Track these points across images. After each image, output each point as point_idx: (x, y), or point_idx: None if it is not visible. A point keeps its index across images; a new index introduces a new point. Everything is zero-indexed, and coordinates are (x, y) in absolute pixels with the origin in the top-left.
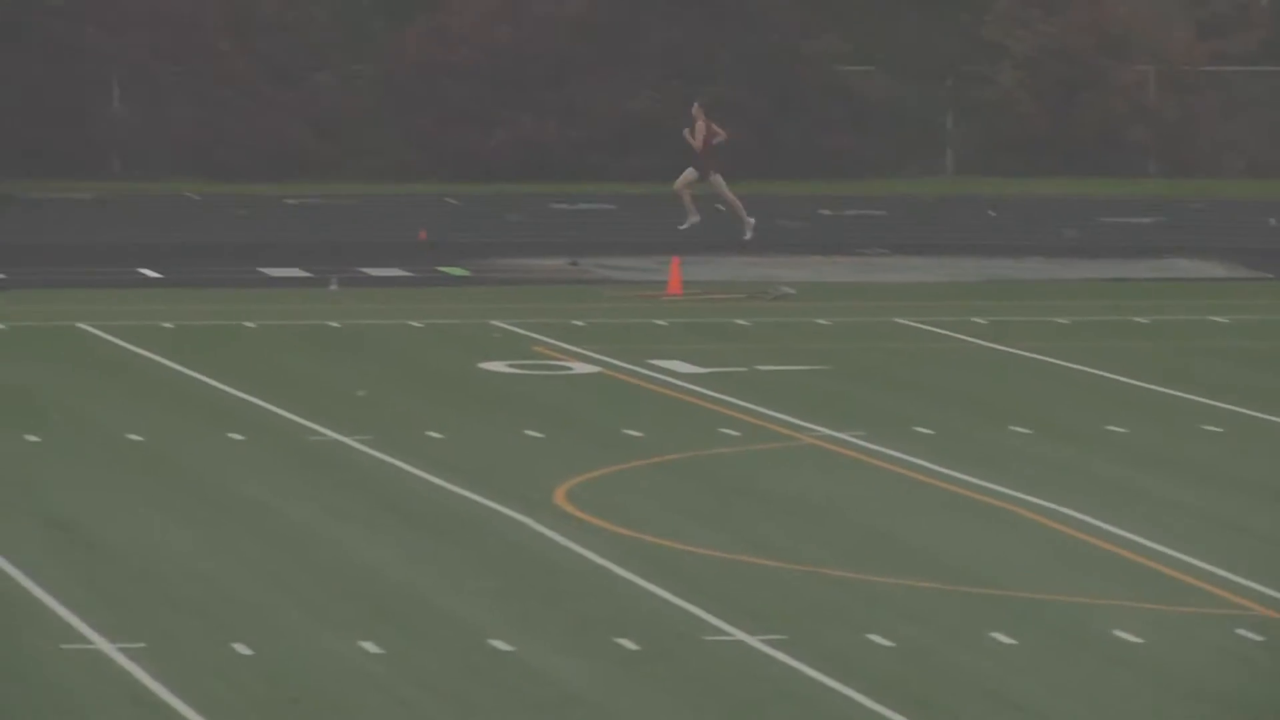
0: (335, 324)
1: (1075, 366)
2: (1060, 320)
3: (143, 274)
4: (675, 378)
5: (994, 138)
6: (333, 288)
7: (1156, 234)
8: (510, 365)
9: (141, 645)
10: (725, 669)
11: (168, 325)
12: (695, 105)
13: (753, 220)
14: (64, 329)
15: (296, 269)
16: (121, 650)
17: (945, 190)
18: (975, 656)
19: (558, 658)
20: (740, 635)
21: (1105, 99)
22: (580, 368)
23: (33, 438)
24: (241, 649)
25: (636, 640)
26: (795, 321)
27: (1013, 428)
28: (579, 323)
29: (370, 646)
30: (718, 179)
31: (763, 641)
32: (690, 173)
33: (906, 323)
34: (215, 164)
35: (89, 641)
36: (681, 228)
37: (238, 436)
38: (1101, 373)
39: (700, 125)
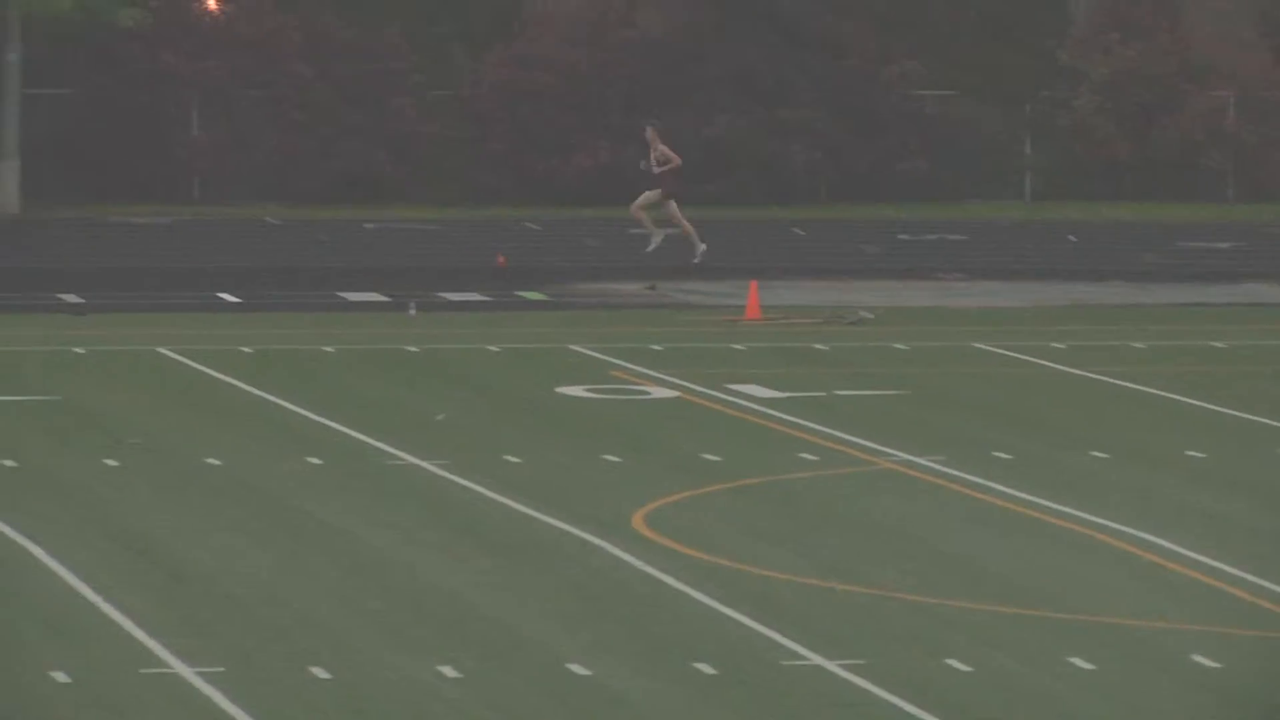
0: (413, 348)
1: (1154, 391)
2: (1138, 345)
3: (222, 298)
4: (753, 402)
5: (1072, 162)
6: (411, 312)
7: (1234, 259)
8: (588, 389)
9: (220, 670)
10: (803, 693)
11: (246, 350)
12: (649, 130)
13: (704, 246)
14: (143, 353)
15: (375, 293)
16: (200, 674)
17: (1024, 215)
18: (1053, 681)
19: (635, 681)
20: (818, 660)
21: (1184, 124)
22: (658, 392)
23: (111, 461)
24: (320, 673)
25: (714, 664)
26: (873, 346)
27: (1091, 452)
28: (657, 347)
29: (448, 670)
30: (649, 196)
31: (840, 666)
32: (671, 203)
33: (985, 347)
34: (294, 188)
35: (168, 666)
36: (698, 254)
37: (316, 460)
38: (1180, 397)
39: (663, 148)
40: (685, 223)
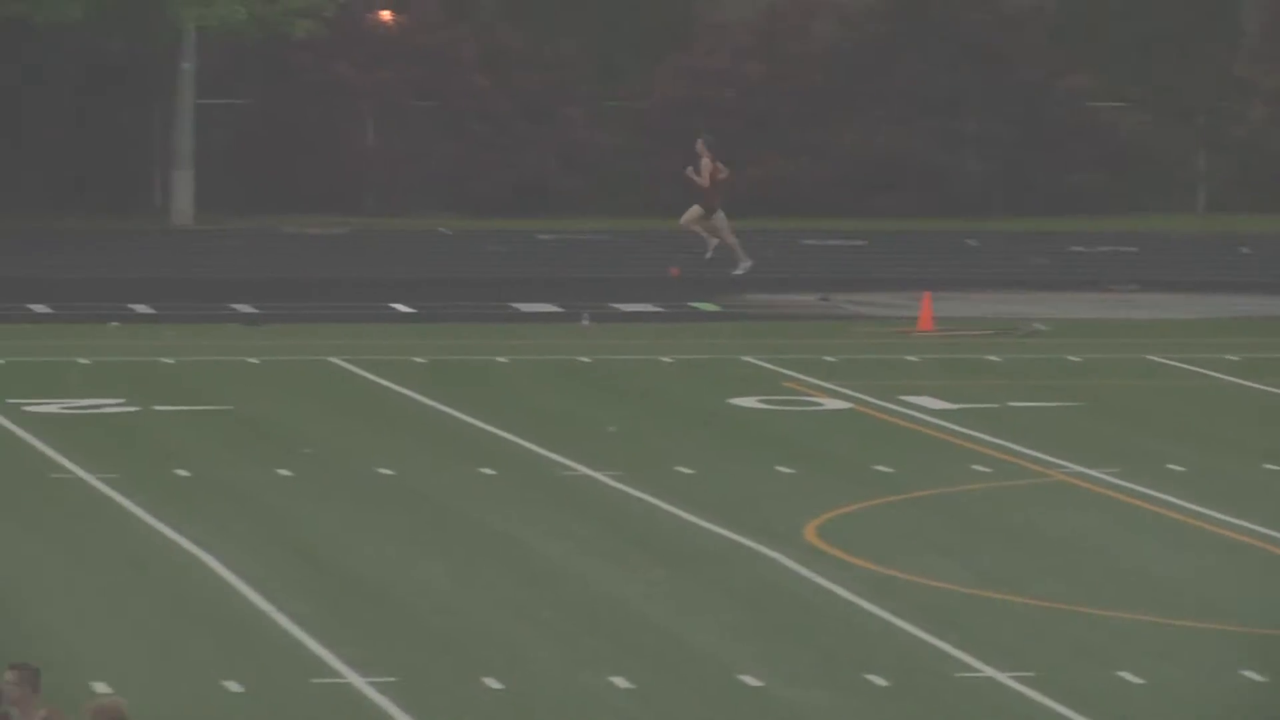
0: (586, 359)
1: None
2: None
3: (395, 309)
4: (926, 413)
5: (1245, 174)
6: (584, 323)
7: None
8: (761, 401)
9: (392, 679)
10: (974, 705)
11: (420, 360)
12: (699, 142)
13: (750, 263)
14: (316, 363)
15: (548, 304)
16: (372, 684)
17: (1197, 227)
18: (1226, 693)
19: (807, 693)
20: (990, 672)
21: None
22: (831, 403)
23: (285, 471)
24: (492, 683)
25: (886, 676)
26: (1046, 358)
27: (1265, 465)
28: (830, 358)
29: (620, 681)
30: (720, 216)
31: (1012, 678)
32: (696, 210)
33: (1158, 359)
34: (467, 198)
35: (340, 676)
36: (707, 256)
37: (489, 471)
38: None
39: (706, 162)
40: (731, 239)
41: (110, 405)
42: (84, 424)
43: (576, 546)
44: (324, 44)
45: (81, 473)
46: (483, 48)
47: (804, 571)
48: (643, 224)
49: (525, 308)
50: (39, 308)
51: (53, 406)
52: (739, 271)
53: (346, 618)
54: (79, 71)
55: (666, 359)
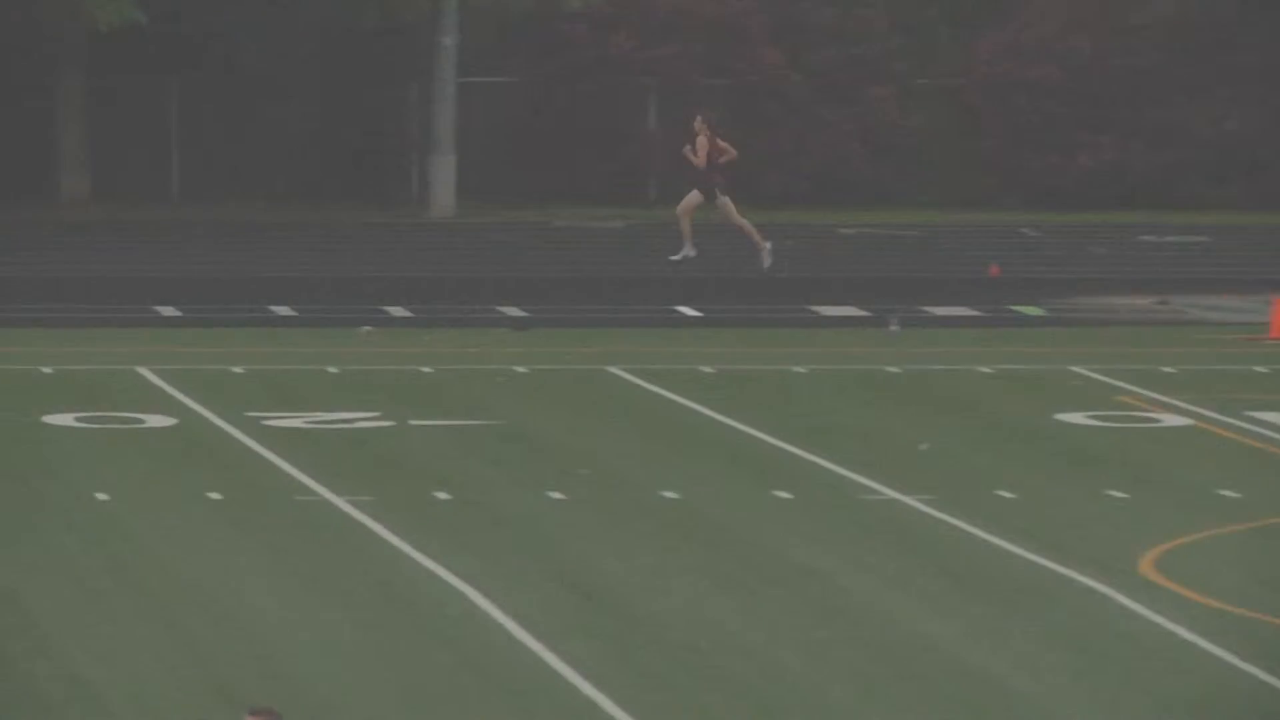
0: (894, 369)
1: None
2: None
3: (680, 312)
4: (1277, 432)
5: None
6: (892, 328)
7: None
8: (1091, 416)
9: None
10: None
11: (707, 369)
12: (698, 119)
13: (769, 244)
14: (592, 373)
15: (851, 307)
16: None
17: None
18: None
19: None
20: None
21: None
22: (1170, 419)
23: (556, 494)
24: None
25: None
26: None
27: None
28: (1169, 369)
29: None
30: (725, 201)
31: None
32: (695, 196)
33: None
34: (761, 188)
35: None
36: (674, 259)
37: (784, 494)
38: None
39: (703, 141)
40: (743, 223)
41: (362, 419)
42: (332, 440)
43: (882, 579)
44: (601, 15)
45: (330, 495)
46: (777, 19)
47: (1139, 608)
48: (958, 217)
49: (826, 311)
50: (281, 310)
51: (297, 420)
52: (766, 264)
53: (626, 658)
54: (328, 47)
55: (985, 369)
